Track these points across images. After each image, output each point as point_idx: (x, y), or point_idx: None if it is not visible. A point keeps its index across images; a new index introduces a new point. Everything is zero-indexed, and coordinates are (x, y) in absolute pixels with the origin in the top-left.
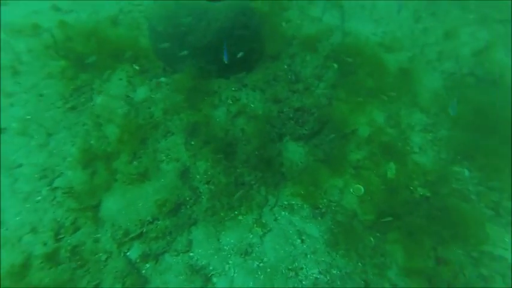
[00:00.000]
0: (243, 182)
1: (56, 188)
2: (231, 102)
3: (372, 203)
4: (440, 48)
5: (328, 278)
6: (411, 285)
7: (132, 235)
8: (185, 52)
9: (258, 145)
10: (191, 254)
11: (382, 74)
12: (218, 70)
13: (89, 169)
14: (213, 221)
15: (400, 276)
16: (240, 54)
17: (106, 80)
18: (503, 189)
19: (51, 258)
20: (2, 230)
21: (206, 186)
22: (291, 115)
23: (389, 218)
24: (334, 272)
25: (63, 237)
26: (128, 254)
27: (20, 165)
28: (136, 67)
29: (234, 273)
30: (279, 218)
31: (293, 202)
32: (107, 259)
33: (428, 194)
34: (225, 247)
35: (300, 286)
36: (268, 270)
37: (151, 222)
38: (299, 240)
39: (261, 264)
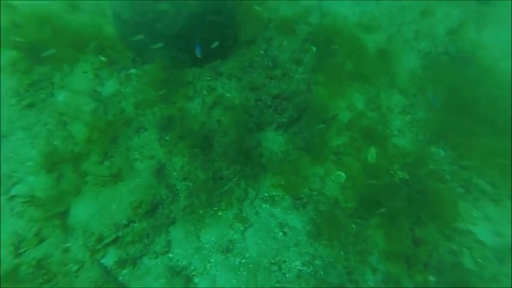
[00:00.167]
0: (222, 176)
1: (14, 196)
2: (206, 92)
3: (354, 189)
4: (417, 27)
5: (311, 269)
6: (391, 268)
7: (106, 241)
8: (160, 45)
9: (236, 136)
10: (170, 255)
11: (361, 56)
12: (191, 59)
13: (54, 173)
14: (192, 219)
15: (381, 260)
16: (214, 44)
17: (68, 73)
18: (473, 167)
19: (11, 277)
20: None
21: (183, 183)
22: (269, 103)
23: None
24: (317, 262)
25: (25, 251)
26: (103, 261)
27: None
28: (103, 58)
29: (216, 271)
30: (260, 211)
31: (274, 193)
32: (78, 269)
33: (407, 177)
34: (205, 245)
35: (284, 279)
36: (251, 266)
37: (126, 226)
38: (281, 233)
39: (243, 261)
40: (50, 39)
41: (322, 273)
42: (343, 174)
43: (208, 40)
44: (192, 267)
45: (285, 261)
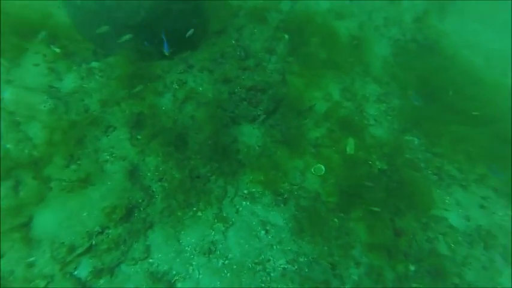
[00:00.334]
0: (199, 175)
1: None
2: (177, 86)
3: (334, 182)
4: (386, 14)
5: (296, 266)
6: (373, 260)
7: (78, 251)
8: (129, 36)
9: (211, 132)
10: (150, 260)
11: (334, 43)
12: (159, 51)
13: (10, 181)
14: (170, 222)
15: (364, 253)
16: (189, 33)
17: (15, 66)
18: (444, 155)
19: None
20: None
21: (159, 184)
22: (243, 95)
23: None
24: (302, 259)
25: None
26: (76, 273)
27: None
28: (57, 49)
29: (199, 274)
30: (241, 209)
31: (253, 190)
32: (47, 285)
33: (385, 167)
34: (186, 248)
35: (269, 279)
36: (235, 267)
37: (100, 233)
38: (263, 232)
39: (227, 262)
40: None
41: (306, 270)
42: (322, 166)
43: (176, 31)
44: (174, 272)
45: (269, 260)
